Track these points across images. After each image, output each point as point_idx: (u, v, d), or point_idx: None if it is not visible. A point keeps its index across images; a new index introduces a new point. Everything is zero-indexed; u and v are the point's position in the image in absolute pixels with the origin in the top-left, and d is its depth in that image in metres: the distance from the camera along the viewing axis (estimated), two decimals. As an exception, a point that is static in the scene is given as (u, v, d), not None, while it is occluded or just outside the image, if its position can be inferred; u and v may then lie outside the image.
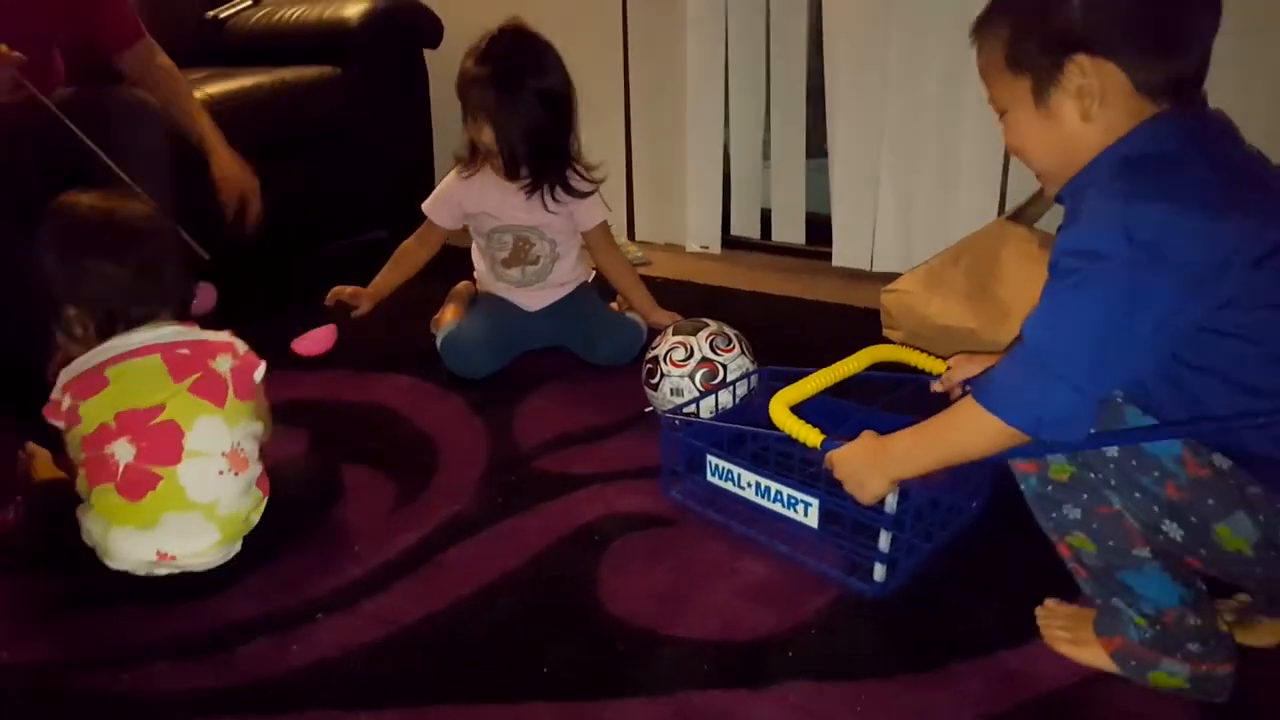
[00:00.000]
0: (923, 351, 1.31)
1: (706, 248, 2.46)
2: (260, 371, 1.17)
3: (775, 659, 1.01)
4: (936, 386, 1.23)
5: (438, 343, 1.74)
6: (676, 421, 1.30)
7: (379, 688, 0.99)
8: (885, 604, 1.09)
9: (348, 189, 2.39)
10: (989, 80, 0.91)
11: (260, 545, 1.15)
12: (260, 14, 2.49)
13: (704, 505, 1.27)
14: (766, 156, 2.44)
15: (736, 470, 1.23)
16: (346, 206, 2.41)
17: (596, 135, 2.45)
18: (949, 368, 1.23)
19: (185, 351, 1.12)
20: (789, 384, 1.23)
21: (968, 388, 1.15)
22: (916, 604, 1.09)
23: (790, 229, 2.43)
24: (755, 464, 1.23)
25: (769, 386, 1.36)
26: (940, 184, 2.14)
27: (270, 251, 2.20)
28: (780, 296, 2.10)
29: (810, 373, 1.25)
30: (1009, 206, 2.09)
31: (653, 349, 1.49)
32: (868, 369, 1.31)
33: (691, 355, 1.43)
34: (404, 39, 2.46)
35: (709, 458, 1.26)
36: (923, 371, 1.29)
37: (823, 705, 0.95)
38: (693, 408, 1.40)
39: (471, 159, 1.74)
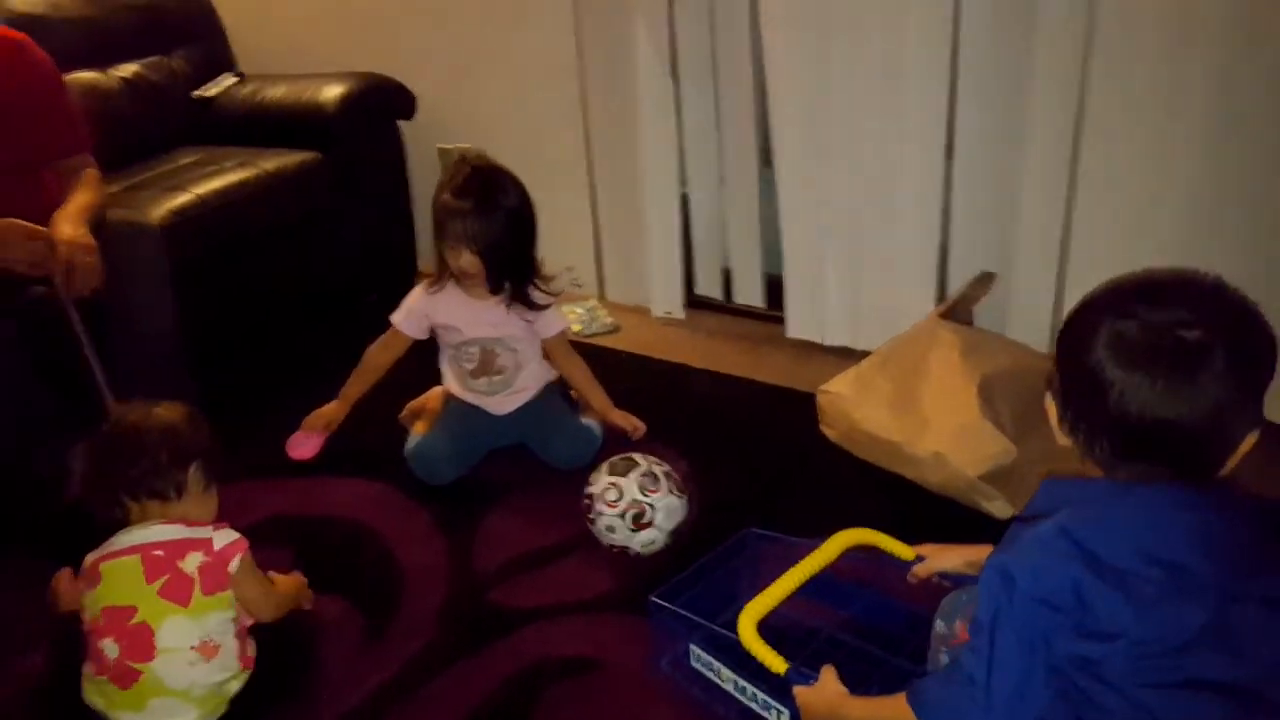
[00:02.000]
0: (890, 536, 1.41)
1: (670, 313, 2.61)
2: (236, 562, 1.34)
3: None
4: (911, 577, 1.34)
5: (406, 450, 1.92)
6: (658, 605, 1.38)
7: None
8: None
9: (336, 264, 2.54)
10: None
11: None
12: (246, 90, 2.62)
13: (690, 680, 1.35)
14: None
15: (717, 665, 1.31)
16: (336, 281, 2.57)
17: (564, 197, 2.61)
18: (918, 557, 1.35)
19: (159, 553, 1.31)
20: (775, 548, 1.36)
21: (945, 582, 1.32)
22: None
23: (749, 290, 2.57)
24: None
25: (755, 551, 1.49)
26: (881, 263, 2.26)
27: (263, 336, 2.39)
28: (732, 378, 2.25)
29: (793, 546, 1.36)
30: (950, 289, 2.23)
31: (589, 485, 1.65)
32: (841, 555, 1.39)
33: (622, 497, 1.60)
34: (380, 115, 2.59)
35: (691, 646, 1.34)
36: (894, 557, 1.38)
37: None
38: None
39: (439, 276, 1.90)
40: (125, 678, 1.28)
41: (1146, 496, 0.92)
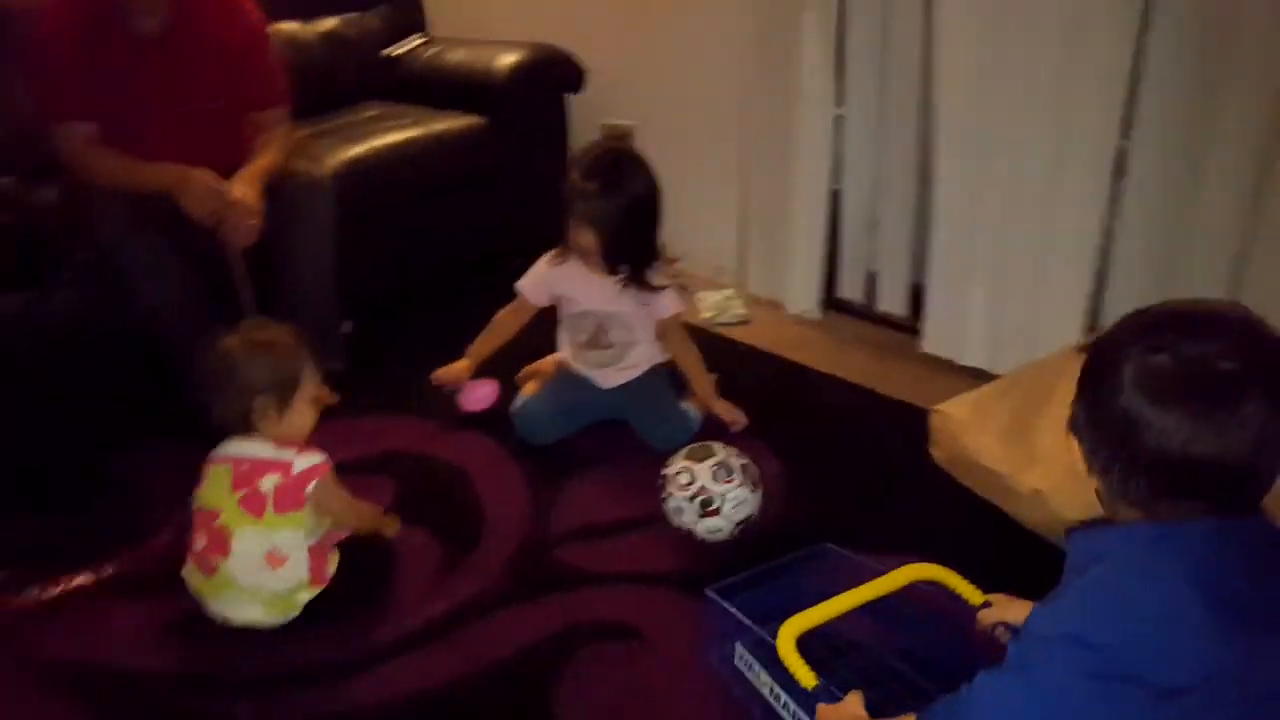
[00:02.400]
0: (964, 578, 1.35)
1: (805, 312, 2.57)
2: (313, 486, 1.46)
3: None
4: (982, 619, 1.29)
5: (512, 408, 2.01)
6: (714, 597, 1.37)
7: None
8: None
9: (489, 228, 2.67)
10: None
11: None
12: (430, 52, 2.79)
13: (732, 679, 1.35)
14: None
15: (757, 668, 1.30)
16: (487, 244, 2.70)
17: (715, 183, 2.63)
18: (986, 603, 1.30)
19: (245, 468, 1.46)
20: (846, 566, 1.36)
21: (1009, 633, 1.26)
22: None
23: (892, 297, 2.49)
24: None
25: (825, 564, 1.48)
26: (1031, 283, 2.13)
27: (412, 289, 2.55)
28: (852, 386, 2.19)
29: (863, 568, 1.35)
30: (1100, 320, 2.08)
31: (666, 466, 1.68)
32: (903, 588, 1.34)
33: (693, 482, 1.61)
34: (549, 87, 2.69)
35: (737, 645, 1.34)
36: (961, 598, 1.34)
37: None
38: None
39: (564, 249, 1.97)
40: (207, 568, 1.45)
41: (1195, 533, 0.86)
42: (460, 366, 2.07)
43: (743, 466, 1.65)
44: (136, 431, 1.99)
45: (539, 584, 1.59)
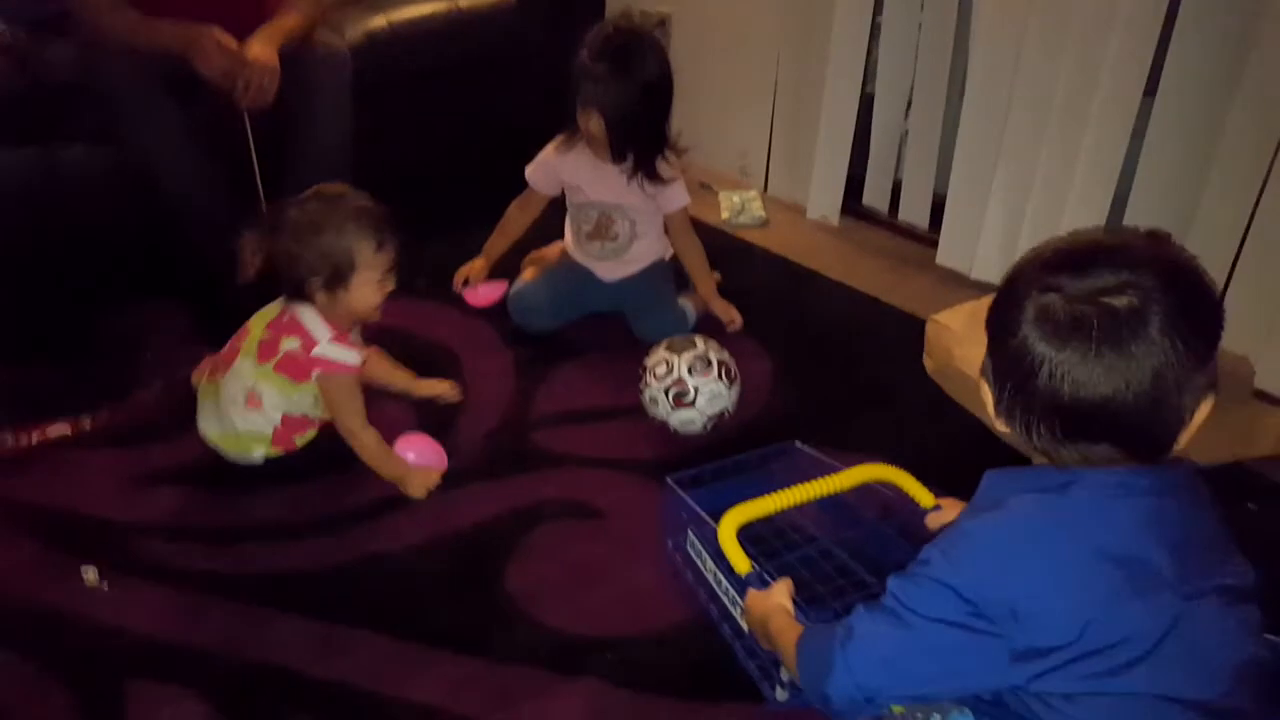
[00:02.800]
0: (916, 479, 1.34)
1: (825, 218, 2.52)
2: (319, 373, 1.49)
3: (597, 658, 1.27)
4: (929, 524, 1.27)
5: (508, 293, 2.03)
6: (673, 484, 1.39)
7: (316, 601, 1.35)
8: (719, 642, 1.30)
9: (513, 110, 2.63)
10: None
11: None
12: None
13: (685, 565, 1.37)
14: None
15: (705, 555, 1.31)
16: (511, 126, 2.66)
17: (748, 78, 2.56)
18: (937, 506, 1.30)
19: (286, 319, 1.50)
20: (811, 466, 1.38)
21: None
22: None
23: (915, 207, 2.43)
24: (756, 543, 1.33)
25: (790, 462, 1.49)
26: (1049, 200, 2.06)
27: (434, 173, 2.55)
28: (860, 294, 2.16)
29: (828, 468, 1.36)
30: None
31: (647, 356, 1.69)
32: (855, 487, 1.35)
33: (670, 372, 1.62)
34: (581, -30, 2.61)
35: (689, 532, 1.35)
36: (912, 500, 1.33)
37: (602, 702, 1.21)
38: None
39: (571, 136, 1.95)
40: (215, 372, 1.56)
41: (1094, 483, 0.83)
42: (477, 266, 2.08)
43: (721, 361, 1.65)
44: (139, 291, 2.05)
45: (510, 463, 1.63)
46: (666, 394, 1.63)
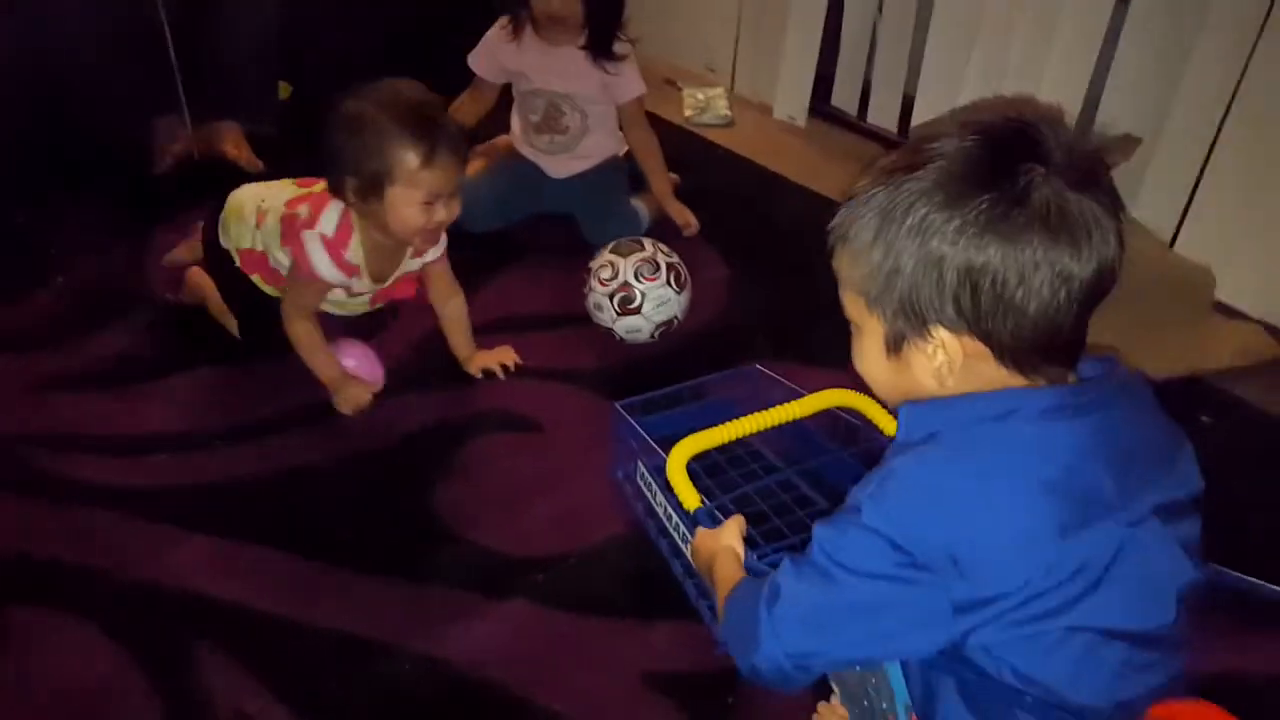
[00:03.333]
0: (880, 404, 1.21)
1: (792, 119, 2.38)
2: (290, 249, 1.37)
3: (526, 579, 1.18)
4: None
5: None
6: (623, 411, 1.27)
7: (221, 517, 1.24)
8: (656, 558, 1.21)
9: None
10: (842, 288, 0.77)
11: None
12: None
13: (635, 497, 1.26)
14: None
15: (655, 488, 1.19)
16: (447, 13, 2.47)
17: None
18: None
19: (319, 192, 1.37)
20: (772, 390, 1.27)
21: None
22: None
23: (885, 110, 2.30)
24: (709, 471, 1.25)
25: (751, 388, 1.35)
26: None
27: (373, 62, 2.34)
28: (823, 199, 2.04)
29: (789, 393, 1.24)
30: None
31: (592, 259, 1.56)
32: (815, 415, 1.24)
33: (616, 276, 1.51)
34: None
35: (639, 464, 1.23)
36: (876, 428, 1.23)
37: (530, 624, 1.12)
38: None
39: (516, 20, 1.79)
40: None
41: (1035, 408, 0.71)
42: None
43: (670, 265, 1.53)
44: (44, 183, 1.88)
45: (443, 373, 1.51)
46: (611, 299, 1.51)
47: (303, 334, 1.39)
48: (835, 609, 0.74)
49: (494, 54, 1.84)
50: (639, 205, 1.87)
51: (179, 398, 1.44)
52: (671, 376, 1.50)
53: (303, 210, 1.36)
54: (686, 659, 1.09)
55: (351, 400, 1.40)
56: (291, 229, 1.36)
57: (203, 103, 1.97)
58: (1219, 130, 1.70)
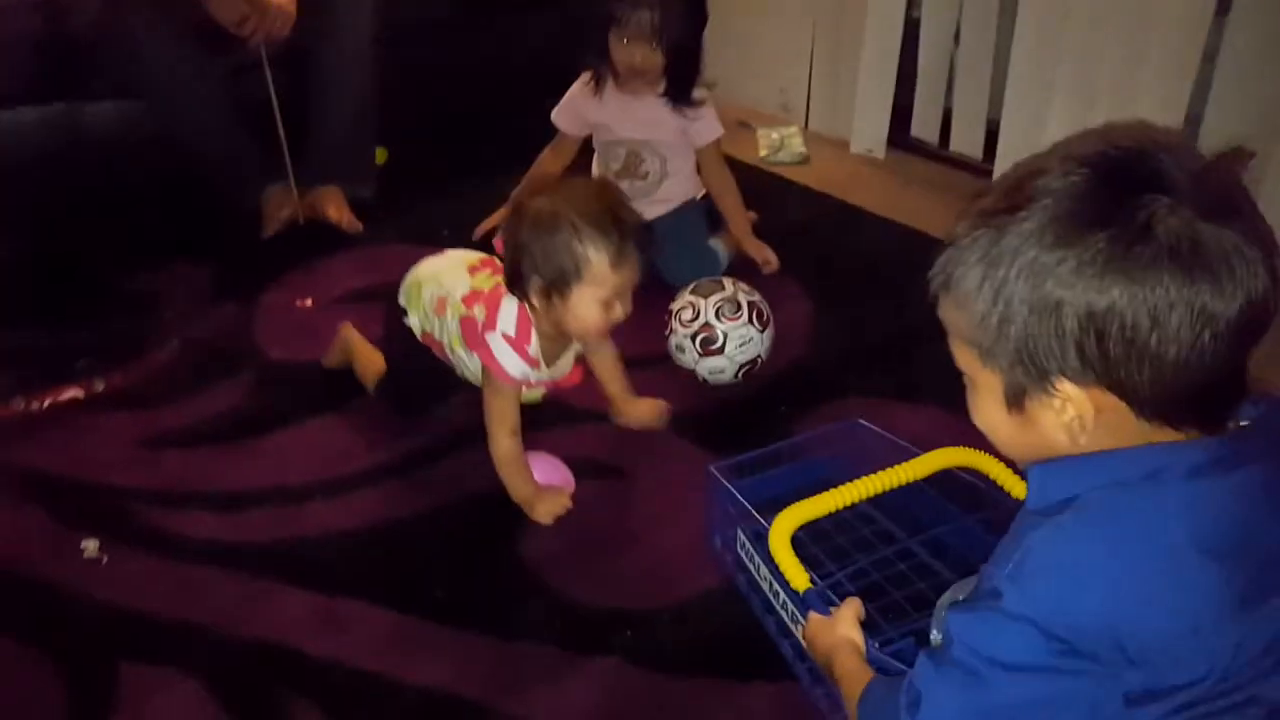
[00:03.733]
0: (1005, 463, 1.12)
1: (870, 151, 2.35)
2: (478, 355, 1.33)
3: (614, 634, 1.16)
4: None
5: None
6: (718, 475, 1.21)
7: (318, 572, 1.26)
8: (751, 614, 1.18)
9: (542, 57, 2.47)
10: (951, 339, 0.73)
11: None
12: None
13: (737, 566, 1.21)
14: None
15: (758, 560, 1.14)
16: (540, 74, 2.52)
17: (787, 4, 2.39)
18: None
19: (496, 289, 1.33)
20: (879, 447, 1.21)
21: None
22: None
23: (968, 137, 2.25)
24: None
25: (853, 445, 1.29)
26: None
27: (463, 121, 2.43)
28: (909, 230, 2.00)
29: (899, 451, 1.17)
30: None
31: (673, 301, 1.56)
32: (932, 475, 1.17)
33: (697, 317, 1.50)
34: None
35: (739, 532, 1.18)
36: (1001, 489, 1.13)
37: (621, 683, 1.10)
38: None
39: (598, 74, 1.83)
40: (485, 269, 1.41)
41: (1187, 463, 0.64)
42: (501, 213, 1.93)
43: (751, 304, 1.52)
44: (158, 250, 1.98)
45: (524, 419, 1.50)
46: (693, 340, 1.50)
47: (509, 451, 1.33)
48: (988, 712, 0.67)
49: (576, 108, 1.88)
50: (717, 245, 1.87)
51: (282, 453, 1.48)
52: (758, 417, 1.49)
53: (478, 312, 1.32)
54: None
55: (551, 511, 1.33)
56: (474, 333, 1.32)
57: (307, 169, 2.06)
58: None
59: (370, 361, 1.54)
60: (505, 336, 1.29)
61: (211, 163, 2.00)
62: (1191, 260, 0.60)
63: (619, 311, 1.27)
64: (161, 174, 1.99)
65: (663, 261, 1.84)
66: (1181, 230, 0.60)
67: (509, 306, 1.31)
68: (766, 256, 1.85)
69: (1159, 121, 1.79)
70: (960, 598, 0.90)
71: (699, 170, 1.90)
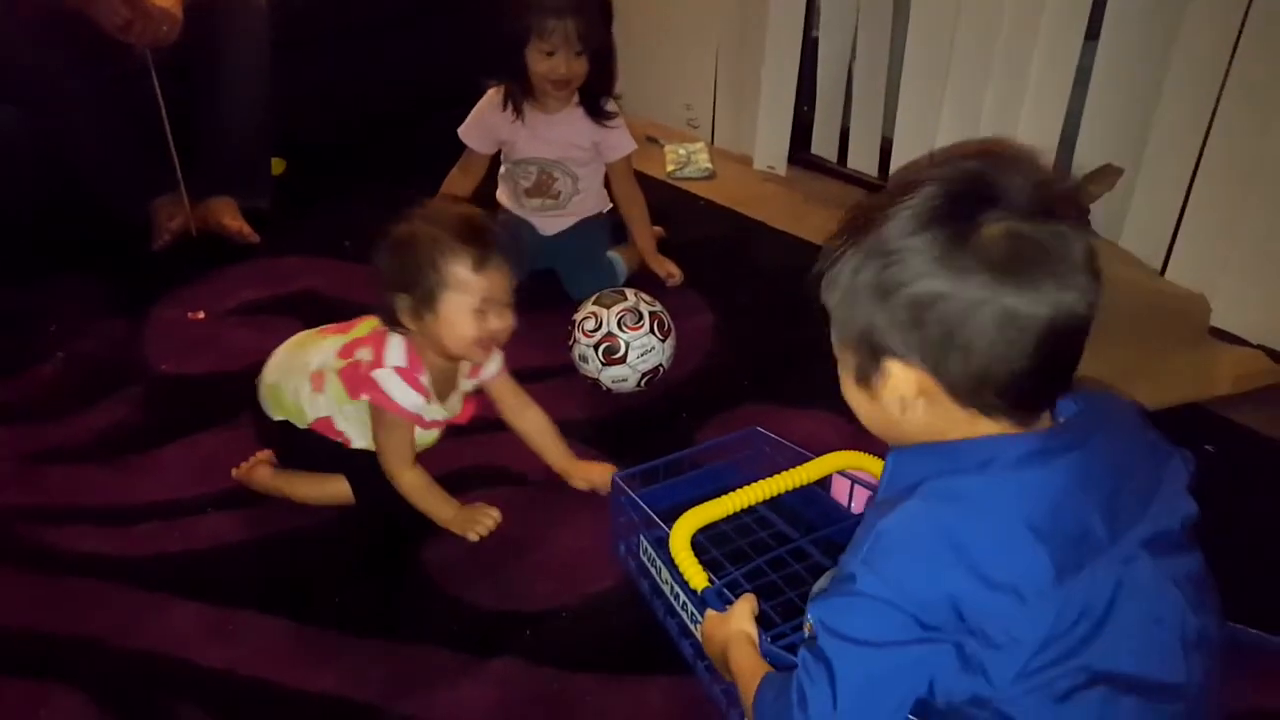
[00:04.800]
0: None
1: (772, 168, 2.42)
2: (367, 398, 1.28)
3: (513, 635, 1.17)
4: None
5: None
6: (622, 485, 1.23)
7: (211, 583, 1.24)
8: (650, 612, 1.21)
9: (444, 64, 2.49)
10: (830, 319, 0.79)
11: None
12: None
13: (640, 572, 1.22)
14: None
15: (660, 564, 1.16)
16: (442, 81, 2.53)
17: (690, 24, 2.45)
18: None
19: (377, 331, 1.30)
20: (776, 453, 1.25)
21: None
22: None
23: (864, 154, 2.34)
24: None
25: (753, 453, 1.33)
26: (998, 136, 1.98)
27: (362, 132, 2.42)
28: (806, 244, 2.07)
29: (794, 457, 1.22)
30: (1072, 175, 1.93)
31: (575, 312, 1.59)
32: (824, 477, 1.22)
33: (600, 327, 1.53)
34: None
35: (641, 538, 1.20)
36: None
37: (521, 683, 1.11)
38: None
39: (510, 91, 1.79)
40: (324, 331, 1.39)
41: (1013, 455, 0.71)
42: None
43: (653, 314, 1.55)
44: (44, 264, 1.93)
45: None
46: (596, 350, 1.53)
47: (415, 482, 1.32)
48: (861, 688, 0.72)
49: (486, 125, 1.85)
50: (616, 258, 1.90)
51: (172, 467, 1.45)
52: (660, 425, 1.52)
53: (363, 354, 1.29)
54: (683, 718, 1.08)
55: (480, 525, 1.31)
56: (357, 376, 1.29)
57: (199, 179, 2.01)
58: (1201, 153, 1.72)
59: (312, 486, 1.38)
60: (397, 369, 1.27)
61: (94, 172, 1.94)
62: (1006, 266, 0.67)
63: (494, 322, 1.25)
64: (46, 184, 1.94)
65: (565, 272, 1.88)
66: (1001, 238, 0.68)
67: (395, 341, 1.29)
68: (669, 270, 1.89)
69: (1037, 137, 1.93)
70: (824, 585, 0.95)
71: (607, 184, 1.92)
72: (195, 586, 1.24)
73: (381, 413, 1.28)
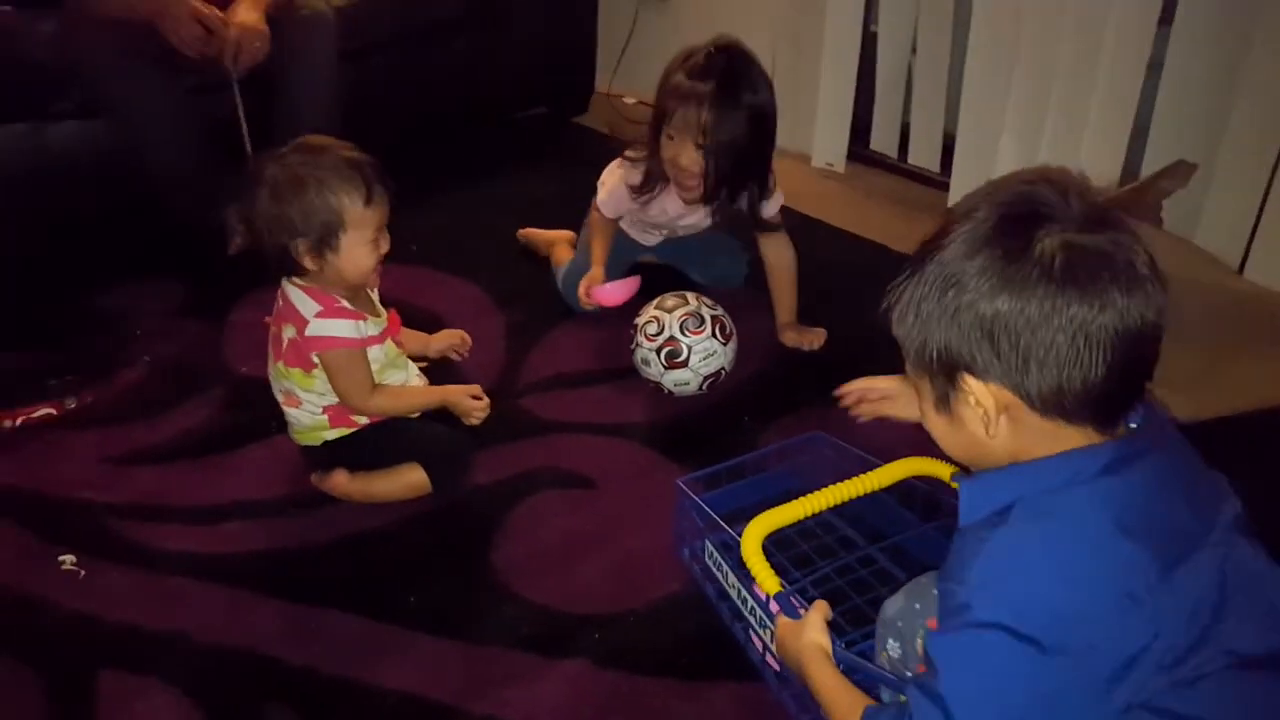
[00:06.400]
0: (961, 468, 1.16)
1: (831, 165, 2.41)
2: (316, 357, 1.33)
3: (582, 637, 1.20)
4: None
5: (559, 282, 1.87)
6: (686, 489, 1.25)
7: (292, 581, 1.29)
8: (717, 616, 1.23)
9: (506, 68, 2.54)
10: (904, 351, 0.81)
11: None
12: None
13: (706, 577, 1.24)
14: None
15: (725, 568, 1.17)
16: (505, 86, 2.57)
17: (744, 17, 2.45)
18: None
19: (280, 305, 1.36)
20: (841, 459, 1.26)
21: None
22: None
23: (925, 150, 2.32)
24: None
25: (818, 458, 1.34)
26: (1065, 136, 1.95)
27: (424, 136, 2.47)
28: (867, 243, 2.07)
29: (861, 463, 1.21)
30: (1144, 170, 1.89)
31: (638, 315, 1.61)
32: (896, 483, 1.21)
33: (661, 331, 1.55)
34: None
35: (706, 542, 1.22)
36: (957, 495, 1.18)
37: (590, 686, 1.14)
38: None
39: (635, 155, 1.72)
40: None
41: (1094, 463, 0.73)
42: (596, 274, 1.78)
43: (715, 317, 1.57)
44: (127, 269, 2.00)
45: (497, 431, 1.54)
46: (659, 354, 1.55)
47: (383, 398, 1.38)
48: None
49: (621, 203, 1.78)
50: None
51: (254, 467, 1.51)
52: (722, 428, 1.54)
53: (288, 333, 1.35)
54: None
55: (468, 402, 1.38)
56: (298, 350, 1.34)
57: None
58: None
59: (388, 482, 1.42)
60: (318, 314, 1.32)
61: (173, 180, 2.01)
62: (1065, 276, 0.70)
63: (384, 245, 1.34)
64: (128, 192, 2.01)
65: (689, 261, 1.90)
66: (1056, 251, 0.70)
67: (296, 293, 1.33)
68: (810, 340, 1.76)
69: (1107, 132, 1.90)
70: (903, 604, 0.96)
71: (756, 244, 1.81)
72: (277, 584, 1.29)
73: (333, 357, 1.33)
